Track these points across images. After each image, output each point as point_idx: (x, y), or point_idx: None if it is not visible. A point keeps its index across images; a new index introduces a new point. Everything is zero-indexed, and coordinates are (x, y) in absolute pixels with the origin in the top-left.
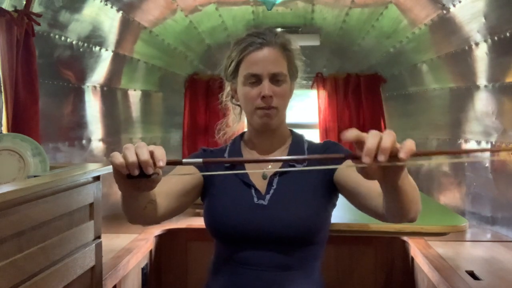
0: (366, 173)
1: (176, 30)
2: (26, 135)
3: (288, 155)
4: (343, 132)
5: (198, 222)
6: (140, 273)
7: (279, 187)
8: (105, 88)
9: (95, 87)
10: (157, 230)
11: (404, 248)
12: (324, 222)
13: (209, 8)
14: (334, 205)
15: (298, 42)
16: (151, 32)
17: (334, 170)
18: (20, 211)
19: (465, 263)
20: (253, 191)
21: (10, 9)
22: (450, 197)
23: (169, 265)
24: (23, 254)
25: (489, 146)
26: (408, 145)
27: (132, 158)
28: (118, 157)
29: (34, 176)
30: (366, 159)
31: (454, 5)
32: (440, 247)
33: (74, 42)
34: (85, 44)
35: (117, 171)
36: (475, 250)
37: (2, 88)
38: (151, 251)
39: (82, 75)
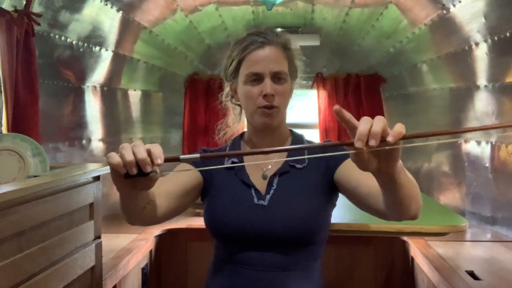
0: (360, 161)
1: (176, 30)
2: (26, 135)
3: (288, 155)
4: (336, 108)
5: (198, 222)
6: (140, 273)
7: (279, 187)
8: (105, 88)
9: (95, 87)
10: (157, 230)
11: (404, 248)
12: (324, 222)
13: (209, 8)
14: (334, 205)
15: (298, 42)
16: (151, 32)
17: (334, 169)
18: (20, 211)
19: (465, 263)
20: (253, 191)
21: (10, 9)
22: (450, 197)
23: (169, 265)
24: (23, 254)
25: (489, 146)
26: (397, 129)
27: (129, 157)
28: (115, 157)
29: (34, 176)
30: (358, 144)
31: (454, 5)
32: (440, 247)
33: (74, 42)
34: (85, 44)
35: (114, 171)
36: (475, 250)
37: (2, 88)
38: (151, 251)
39: (82, 75)
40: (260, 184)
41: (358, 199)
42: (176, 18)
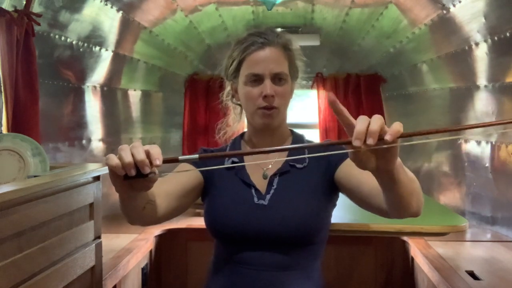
0: (359, 160)
1: (176, 30)
2: (26, 135)
3: (288, 155)
4: (330, 95)
5: (198, 222)
6: (140, 273)
7: (279, 187)
8: (105, 88)
9: (95, 87)
10: (157, 230)
11: (404, 248)
12: (325, 222)
13: (209, 8)
14: (334, 205)
15: (298, 42)
16: (151, 32)
17: (334, 169)
18: (20, 211)
19: (465, 263)
20: (253, 191)
21: (10, 9)
22: (450, 197)
23: (169, 265)
24: (23, 254)
25: (489, 146)
26: (395, 127)
27: (128, 158)
28: (113, 159)
29: (34, 176)
30: (356, 142)
31: (454, 5)
32: (440, 247)
33: (74, 42)
34: (85, 44)
35: (113, 172)
36: (475, 250)
37: (2, 88)
38: (151, 251)
39: (82, 75)
40: (261, 184)
41: (359, 198)
42: (176, 18)
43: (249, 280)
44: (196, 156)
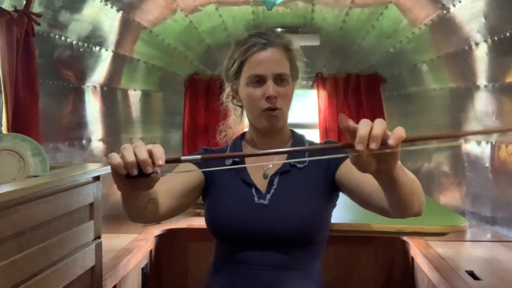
0: (360, 164)
1: (176, 30)
2: (26, 135)
3: (289, 155)
4: (341, 117)
5: (198, 222)
6: (140, 273)
7: (279, 186)
8: (105, 88)
9: (95, 87)
10: (157, 230)
11: (404, 248)
12: (325, 222)
13: (209, 8)
14: (334, 205)
15: (298, 42)
16: (151, 32)
17: (335, 169)
18: (20, 211)
19: (465, 263)
20: (253, 190)
21: (10, 9)
22: (450, 197)
23: (169, 265)
24: (23, 254)
25: (489, 146)
26: (398, 132)
27: (130, 157)
28: (116, 158)
29: (34, 176)
30: (359, 146)
31: (454, 5)
32: (440, 247)
33: (74, 42)
34: (85, 44)
35: (115, 171)
36: (475, 250)
37: (2, 88)
38: (151, 251)
39: (82, 75)
40: (261, 183)
41: (360, 198)
42: (176, 18)
43: (249, 279)
44: (198, 156)
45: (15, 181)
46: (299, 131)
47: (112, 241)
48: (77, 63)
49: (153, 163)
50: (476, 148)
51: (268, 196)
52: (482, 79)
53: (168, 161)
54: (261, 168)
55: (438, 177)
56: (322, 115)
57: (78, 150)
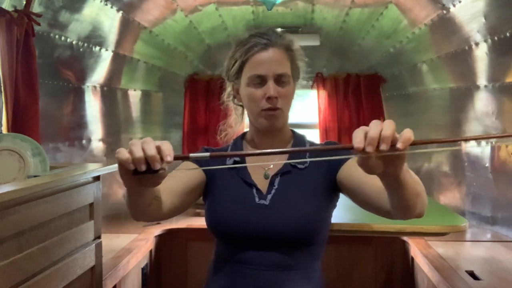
0: (367, 166)
1: (176, 30)
2: (26, 135)
3: (290, 156)
4: (355, 137)
5: (198, 222)
6: (140, 273)
7: (280, 187)
8: (105, 88)
9: (95, 87)
10: (157, 230)
11: (404, 248)
12: (325, 222)
13: (209, 8)
14: (334, 206)
15: (298, 42)
16: (151, 32)
17: (336, 170)
18: (20, 211)
19: (465, 263)
20: (254, 190)
21: (10, 9)
22: (450, 197)
23: (169, 265)
24: (23, 254)
25: (489, 146)
26: (406, 135)
27: (138, 153)
28: (124, 153)
29: (34, 176)
30: (369, 148)
31: (454, 5)
32: (440, 247)
33: (74, 42)
34: (85, 44)
35: (122, 167)
36: (475, 250)
37: (2, 88)
38: (151, 251)
39: (82, 75)
40: (262, 184)
41: (362, 199)
42: (176, 18)
43: (249, 279)
44: (207, 154)
45: (15, 181)
46: (299, 131)
47: (112, 241)
48: (77, 63)
49: (162, 159)
50: (476, 148)
51: (269, 196)
52: (482, 79)
53: (176, 158)
54: (262, 168)
55: (438, 177)
56: (322, 115)
57: (78, 150)
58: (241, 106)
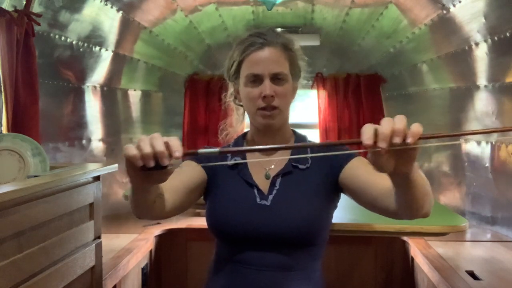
0: (378, 163)
1: (176, 30)
2: (26, 135)
3: (291, 155)
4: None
5: (198, 222)
6: (140, 273)
7: (281, 187)
8: (105, 88)
9: (95, 87)
10: (157, 230)
11: (404, 248)
12: (326, 223)
13: (209, 8)
14: (335, 207)
15: (298, 42)
16: (151, 32)
17: (339, 170)
18: (20, 211)
19: (465, 263)
20: (255, 191)
21: (10, 9)
22: (450, 197)
23: (169, 265)
24: (23, 254)
25: (489, 146)
26: (415, 129)
27: (147, 149)
28: (132, 149)
29: (34, 176)
30: (382, 144)
31: (454, 5)
32: (440, 247)
33: (74, 42)
34: (85, 44)
35: (130, 163)
36: (475, 250)
37: (2, 88)
38: (151, 251)
39: (82, 75)
40: (263, 184)
41: (366, 200)
42: (176, 18)
43: (249, 280)
44: (217, 149)
45: (15, 181)
46: (299, 131)
47: (112, 241)
48: (77, 63)
49: (170, 155)
50: (476, 148)
51: (270, 197)
52: (482, 79)
53: (185, 154)
54: (263, 168)
55: (438, 177)
56: (322, 115)
57: (78, 150)
58: (242, 106)
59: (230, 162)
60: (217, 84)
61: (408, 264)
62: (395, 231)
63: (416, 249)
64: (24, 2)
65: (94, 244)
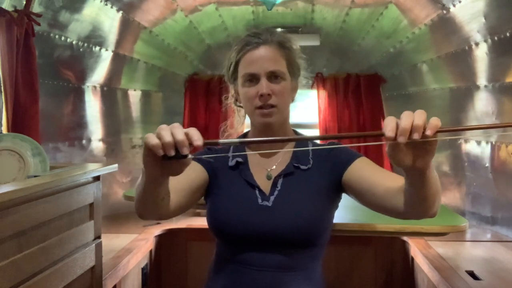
0: (397, 157)
1: (176, 30)
2: (26, 135)
3: (293, 156)
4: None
5: (198, 222)
6: (140, 273)
7: (283, 188)
8: (105, 88)
9: (95, 87)
10: (157, 230)
11: (404, 248)
12: (327, 224)
13: (209, 8)
14: (337, 207)
15: (298, 42)
16: (151, 32)
17: (342, 171)
18: (20, 211)
19: (465, 263)
20: (257, 191)
21: (10, 9)
22: (450, 197)
23: (169, 265)
24: (23, 254)
25: (489, 146)
26: (433, 122)
27: (168, 138)
28: (153, 138)
29: (34, 176)
30: (401, 139)
31: (454, 5)
32: (440, 247)
33: (74, 42)
34: (85, 44)
35: (150, 152)
36: (475, 250)
37: (2, 88)
38: (151, 251)
39: (82, 75)
40: (264, 185)
41: (371, 200)
42: (176, 18)
43: (250, 280)
44: (237, 140)
45: (15, 181)
46: (300, 131)
47: (112, 241)
48: (77, 63)
49: (190, 144)
50: (476, 148)
51: (272, 198)
52: (482, 79)
53: (206, 144)
54: (264, 169)
55: (438, 177)
56: (322, 115)
57: (78, 150)
58: (243, 107)
59: (237, 153)
60: (217, 84)
61: (408, 264)
62: (395, 231)
63: (416, 249)
64: (24, 2)
65: (94, 244)
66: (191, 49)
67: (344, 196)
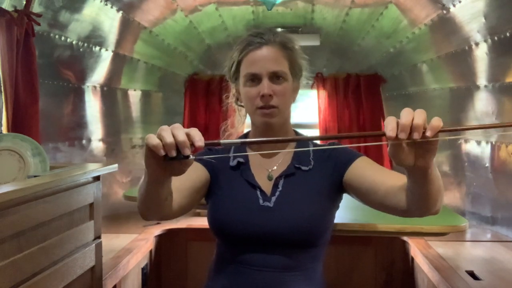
0: (398, 156)
1: (176, 30)
2: (26, 135)
3: (294, 156)
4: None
5: (198, 222)
6: (140, 273)
7: (284, 189)
8: (105, 88)
9: (95, 87)
10: (157, 230)
11: (404, 248)
12: (328, 224)
13: (209, 8)
14: (337, 207)
15: (298, 42)
16: (151, 32)
17: (343, 171)
18: (20, 211)
19: (465, 263)
20: (258, 192)
21: (10, 9)
22: (450, 197)
23: (169, 265)
24: (23, 254)
25: (489, 146)
26: (435, 123)
27: (169, 138)
28: (154, 138)
29: (34, 176)
30: (402, 135)
31: (454, 5)
32: (440, 247)
33: (74, 42)
34: (85, 44)
35: (151, 153)
36: (475, 250)
37: (2, 88)
38: (151, 251)
39: (82, 75)
40: (266, 185)
41: (373, 199)
42: (176, 18)
43: (251, 280)
44: (239, 141)
45: (15, 181)
46: (300, 131)
47: (112, 241)
48: (77, 63)
49: (192, 145)
50: (476, 148)
51: (273, 198)
52: (482, 79)
53: (207, 144)
54: (265, 170)
55: None
56: (322, 115)
57: (78, 150)
58: (243, 107)
59: (240, 153)
60: (217, 84)
61: (408, 264)
62: (395, 231)
63: (416, 249)
64: (24, 2)
65: (94, 244)
66: (191, 49)
67: (345, 196)
